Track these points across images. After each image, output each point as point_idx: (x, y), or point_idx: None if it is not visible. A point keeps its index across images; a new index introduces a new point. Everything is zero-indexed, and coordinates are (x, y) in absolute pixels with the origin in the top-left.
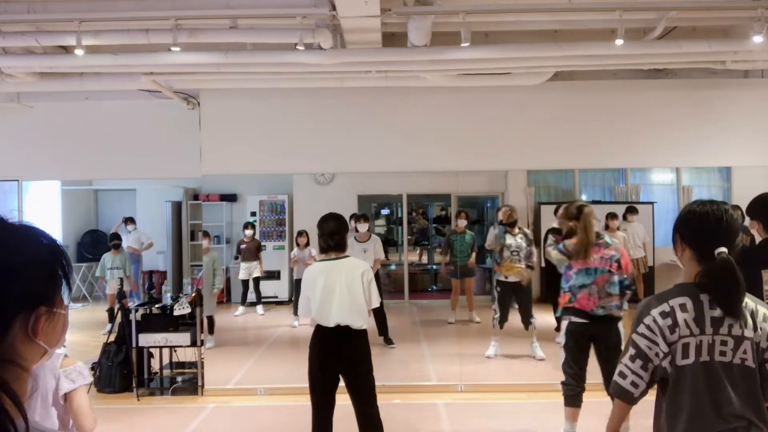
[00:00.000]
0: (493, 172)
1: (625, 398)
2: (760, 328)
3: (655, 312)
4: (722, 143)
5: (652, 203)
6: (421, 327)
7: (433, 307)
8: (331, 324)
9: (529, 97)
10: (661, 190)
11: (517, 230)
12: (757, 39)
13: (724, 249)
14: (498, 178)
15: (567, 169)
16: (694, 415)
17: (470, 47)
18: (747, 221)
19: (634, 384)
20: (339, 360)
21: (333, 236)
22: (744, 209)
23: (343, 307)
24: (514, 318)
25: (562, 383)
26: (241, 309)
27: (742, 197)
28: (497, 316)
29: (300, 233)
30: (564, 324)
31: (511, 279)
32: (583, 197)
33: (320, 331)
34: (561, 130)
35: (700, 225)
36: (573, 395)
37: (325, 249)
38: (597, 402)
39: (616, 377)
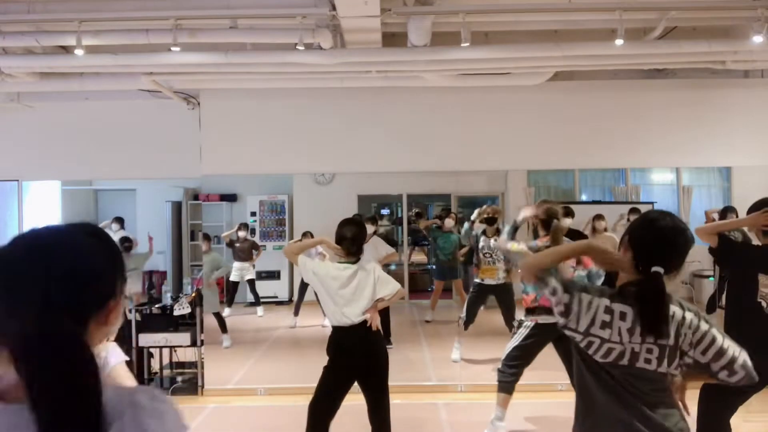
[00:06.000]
0: (493, 172)
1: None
2: (684, 335)
3: (601, 301)
4: (722, 143)
5: (652, 203)
6: (421, 327)
7: None
8: (338, 323)
9: (529, 97)
10: (661, 190)
11: (494, 231)
12: (757, 39)
13: (659, 268)
14: (498, 178)
15: (567, 169)
16: (604, 415)
17: (470, 47)
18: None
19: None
20: (353, 359)
21: (355, 241)
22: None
23: (350, 308)
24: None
25: (499, 370)
26: (227, 311)
27: (742, 197)
28: (463, 316)
29: (305, 234)
30: (528, 323)
31: (488, 281)
32: (583, 197)
33: (335, 331)
34: (561, 130)
35: (651, 236)
36: (509, 382)
37: (345, 252)
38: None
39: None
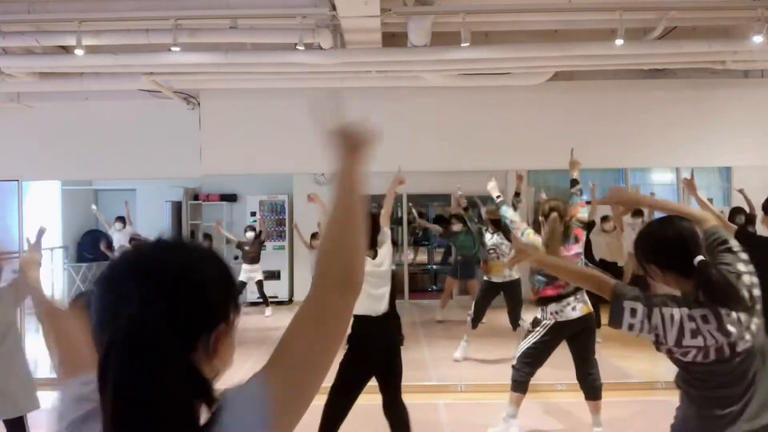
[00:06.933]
0: (493, 172)
1: (615, 323)
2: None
3: (682, 311)
4: (722, 143)
5: None
6: (421, 327)
7: (433, 307)
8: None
9: (529, 97)
10: (661, 190)
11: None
12: (757, 39)
13: (701, 257)
14: (498, 178)
15: (567, 169)
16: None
17: (470, 47)
18: (760, 216)
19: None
20: (376, 351)
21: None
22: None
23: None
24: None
25: (514, 368)
26: None
27: (741, 197)
28: (470, 313)
29: (313, 236)
30: (546, 323)
31: (495, 279)
32: (584, 197)
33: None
34: (561, 130)
35: (668, 248)
36: (523, 381)
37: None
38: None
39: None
